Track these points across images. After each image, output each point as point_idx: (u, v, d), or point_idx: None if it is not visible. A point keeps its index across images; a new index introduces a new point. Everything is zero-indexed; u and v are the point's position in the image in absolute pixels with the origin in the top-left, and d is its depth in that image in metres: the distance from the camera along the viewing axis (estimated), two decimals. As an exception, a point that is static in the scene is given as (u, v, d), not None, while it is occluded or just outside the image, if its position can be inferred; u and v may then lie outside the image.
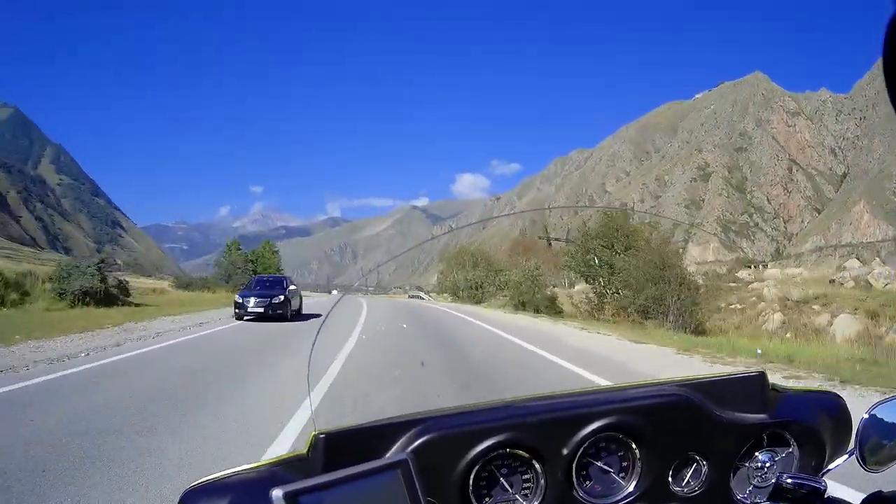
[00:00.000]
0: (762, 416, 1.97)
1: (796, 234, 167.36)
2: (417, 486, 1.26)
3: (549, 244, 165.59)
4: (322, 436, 1.52)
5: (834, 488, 1.87)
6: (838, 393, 2.19)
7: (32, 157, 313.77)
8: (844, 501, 1.75)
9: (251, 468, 1.48)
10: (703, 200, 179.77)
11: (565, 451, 1.70)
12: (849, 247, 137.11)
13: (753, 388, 2.03)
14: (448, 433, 1.61)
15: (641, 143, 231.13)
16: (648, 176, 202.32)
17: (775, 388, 2.10)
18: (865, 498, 1.63)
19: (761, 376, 2.07)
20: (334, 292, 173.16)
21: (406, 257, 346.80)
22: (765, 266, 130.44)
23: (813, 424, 2.02)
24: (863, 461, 1.83)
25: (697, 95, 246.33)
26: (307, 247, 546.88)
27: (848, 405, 2.15)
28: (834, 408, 2.12)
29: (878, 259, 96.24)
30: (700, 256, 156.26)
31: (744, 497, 1.95)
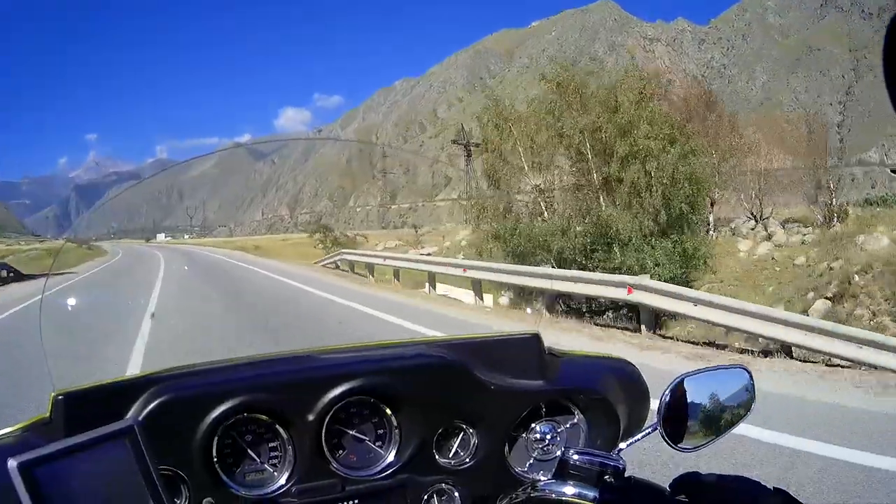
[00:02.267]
0: (538, 382, 1.81)
1: None
2: (147, 456, 1.17)
3: (469, 154, 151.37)
4: (60, 396, 1.42)
5: (641, 466, 1.78)
6: (629, 360, 2.04)
7: None
8: (648, 482, 1.57)
9: None
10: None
11: (311, 417, 1.56)
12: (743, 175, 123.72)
13: (527, 351, 1.86)
14: (181, 395, 1.50)
15: (475, 69, 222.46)
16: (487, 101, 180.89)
17: (554, 353, 1.94)
18: (676, 479, 1.48)
19: (535, 338, 1.90)
20: (160, 236, 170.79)
21: (230, 193, 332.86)
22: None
23: (601, 393, 1.86)
24: (669, 439, 1.70)
25: (534, 23, 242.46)
26: (137, 191, 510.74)
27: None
28: (625, 375, 1.98)
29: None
30: (556, 181, 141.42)
31: (523, 471, 1.81)
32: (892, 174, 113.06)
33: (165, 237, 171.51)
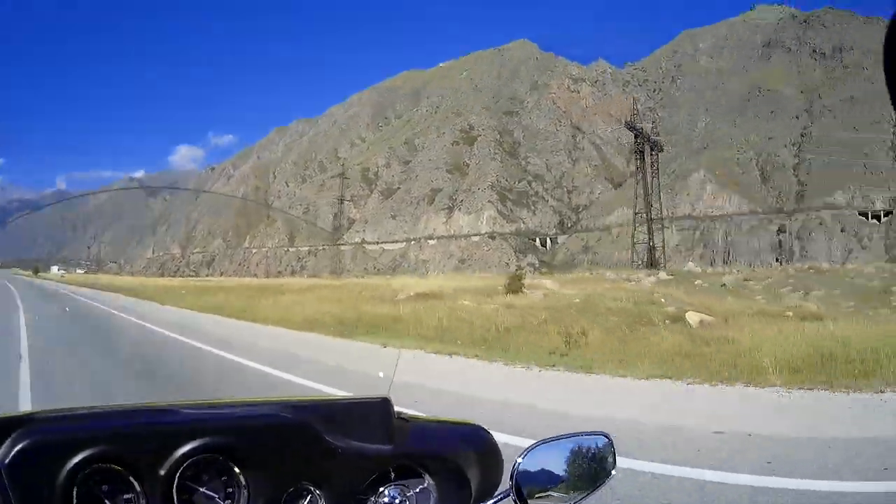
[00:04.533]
0: (386, 446, 1.82)
1: (587, 206, 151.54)
2: (13, 500, 1.15)
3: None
4: None
5: None
6: (483, 426, 2.07)
7: None
8: None
9: None
10: (468, 165, 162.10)
11: (162, 472, 1.54)
12: (691, 219, 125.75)
13: (376, 415, 1.89)
14: (43, 441, 1.47)
15: (380, 109, 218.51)
16: (395, 139, 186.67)
17: (403, 417, 1.96)
18: None
19: (384, 403, 1.93)
20: (54, 269, 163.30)
21: (123, 229, 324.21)
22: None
23: (451, 458, 1.88)
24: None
25: (441, 64, 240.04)
26: (36, 221, 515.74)
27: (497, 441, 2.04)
28: (478, 442, 2.00)
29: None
30: (471, 227, 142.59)
31: None
32: (861, 217, 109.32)
33: (59, 270, 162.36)
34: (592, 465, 1.85)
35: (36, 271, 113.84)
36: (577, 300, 26.10)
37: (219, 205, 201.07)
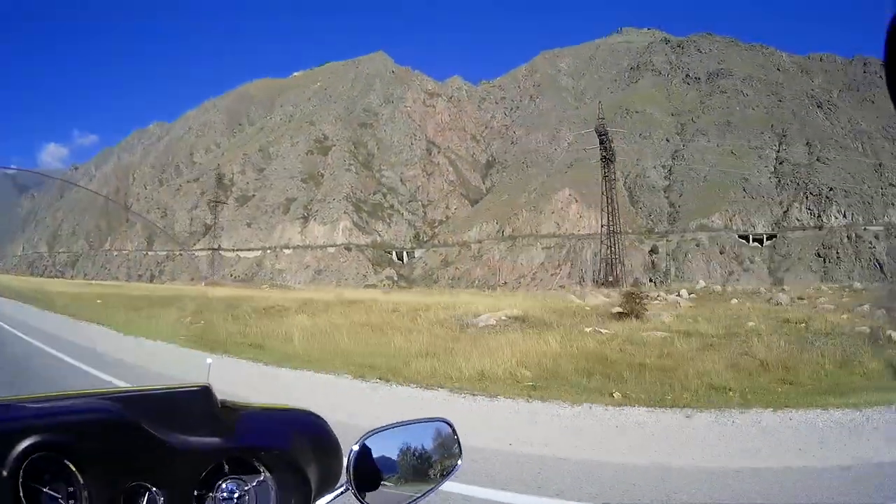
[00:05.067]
0: (214, 439, 1.76)
1: (443, 221, 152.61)
2: None
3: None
4: None
5: None
6: (315, 412, 1.99)
7: None
8: None
9: None
10: (322, 175, 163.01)
11: (4, 472, 1.45)
12: (554, 237, 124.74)
13: (198, 405, 1.83)
14: None
15: (235, 115, 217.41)
16: (249, 146, 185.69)
17: (228, 406, 1.90)
18: None
19: (205, 391, 1.86)
20: None
21: None
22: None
23: (285, 449, 1.83)
24: (360, 496, 1.71)
25: (296, 73, 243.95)
26: None
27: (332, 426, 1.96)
28: (312, 429, 1.95)
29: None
30: (327, 237, 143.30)
31: None
32: (741, 240, 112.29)
33: None
34: (436, 454, 1.83)
35: None
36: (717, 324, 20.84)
37: (83, 204, 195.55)
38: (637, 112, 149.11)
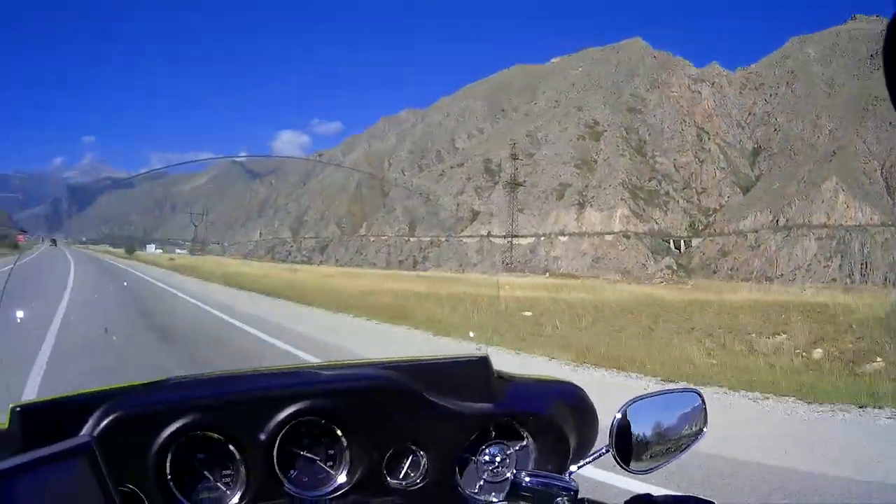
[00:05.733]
0: (486, 405, 1.83)
1: (717, 209, 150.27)
2: (105, 474, 1.17)
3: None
4: (18, 409, 1.40)
5: (594, 489, 1.82)
6: (577, 384, 2.06)
7: None
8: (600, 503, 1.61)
9: None
10: (596, 161, 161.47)
11: (263, 437, 1.55)
12: (825, 228, 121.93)
13: (475, 374, 1.89)
14: (134, 412, 1.47)
15: (495, 102, 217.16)
16: (516, 132, 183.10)
17: (501, 376, 1.96)
18: (628, 500, 1.50)
19: (484, 361, 1.92)
20: (151, 248, 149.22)
21: (224, 211, 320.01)
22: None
23: (549, 416, 1.89)
24: (623, 462, 1.76)
25: (554, 59, 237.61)
26: (130, 199, 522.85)
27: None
28: (572, 398, 2.01)
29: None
30: (603, 224, 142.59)
31: (474, 493, 1.83)
32: None
33: (156, 249, 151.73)
34: (685, 423, 1.90)
35: (131, 251, 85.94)
36: None
37: (331, 190, 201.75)
38: (885, 100, 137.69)
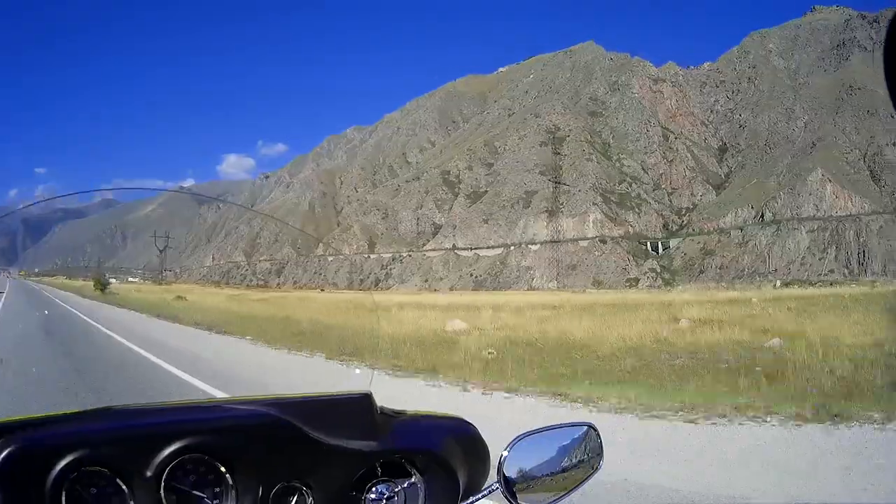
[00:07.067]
0: (370, 442, 1.83)
1: (691, 208, 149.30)
2: None
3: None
4: None
5: None
6: (467, 419, 2.07)
7: None
8: None
9: None
10: (562, 167, 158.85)
11: (148, 473, 1.54)
12: (816, 220, 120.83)
13: (358, 410, 1.91)
14: (27, 447, 1.46)
15: (446, 113, 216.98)
16: (472, 142, 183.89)
17: (386, 413, 1.97)
18: None
19: (366, 398, 1.94)
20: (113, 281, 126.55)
21: (175, 237, 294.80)
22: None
23: (437, 453, 1.89)
24: (512, 498, 1.77)
25: (501, 69, 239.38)
26: (82, 229, 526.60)
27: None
28: (464, 435, 2.01)
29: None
30: (576, 230, 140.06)
31: None
32: None
33: (111, 278, 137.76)
34: (580, 457, 1.85)
35: (102, 285, 58.48)
36: None
37: (282, 211, 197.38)
38: (860, 89, 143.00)
